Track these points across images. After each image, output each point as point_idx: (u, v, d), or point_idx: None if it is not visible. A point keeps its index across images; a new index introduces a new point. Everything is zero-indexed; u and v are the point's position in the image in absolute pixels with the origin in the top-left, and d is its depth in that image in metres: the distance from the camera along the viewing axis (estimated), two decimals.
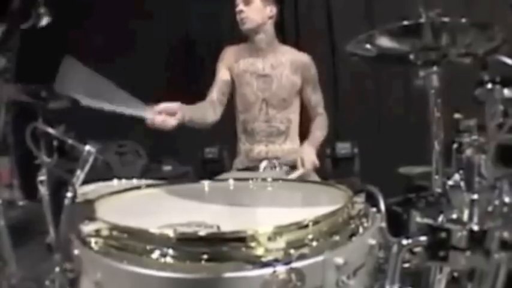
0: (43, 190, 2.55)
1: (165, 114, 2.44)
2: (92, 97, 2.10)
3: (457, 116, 1.77)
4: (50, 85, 2.69)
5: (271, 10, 2.99)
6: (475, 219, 1.28)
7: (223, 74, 3.09)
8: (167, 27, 4.62)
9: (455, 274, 1.44)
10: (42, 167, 2.50)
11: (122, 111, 2.19)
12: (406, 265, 1.46)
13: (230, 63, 3.09)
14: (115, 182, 2.45)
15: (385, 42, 1.74)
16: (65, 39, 4.08)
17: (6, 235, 2.90)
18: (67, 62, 2.10)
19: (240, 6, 2.90)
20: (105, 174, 2.56)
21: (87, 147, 1.78)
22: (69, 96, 2.81)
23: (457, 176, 1.48)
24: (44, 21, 3.46)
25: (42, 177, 2.53)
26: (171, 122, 2.48)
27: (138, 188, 2.05)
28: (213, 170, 3.36)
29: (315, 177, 2.81)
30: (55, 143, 2.80)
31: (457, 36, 1.68)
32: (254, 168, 2.96)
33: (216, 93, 3.03)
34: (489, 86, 1.52)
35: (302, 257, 1.12)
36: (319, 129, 3.06)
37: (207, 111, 2.94)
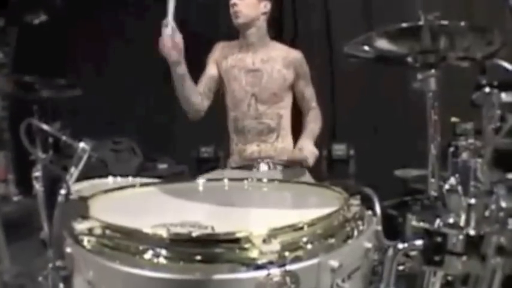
0: (38, 186, 2.54)
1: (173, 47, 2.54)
2: None
3: (454, 119, 1.77)
4: (44, 78, 2.70)
5: (265, 6, 2.98)
6: (472, 223, 1.27)
7: (210, 69, 3.08)
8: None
9: (450, 278, 1.43)
10: (37, 163, 2.50)
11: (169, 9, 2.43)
12: (401, 268, 1.46)
13: (219, 59, 3.08)
14: (110, 179, 2.45)
15: (383, 44, 1.74)
16: (63, 34, 4.07)
17: (0, 230, 2.90)
18: None
19: (235, 0, 2.91)
20: (100, 171, 2.55)
21: (82, 144, 1.77)
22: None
23: (452, 180, 1.48)
24: (41, 18, 3.47)
25: (37, 173, 2.52)
26: (174, 54, 2.58)
27: (132, 186, 2.05)
28: (208, 169, 3.34)
29: (310, 179, 2.81)
30: (50, 139, 2.79)
31: (455, 39, 1.67)
32: (248, 166, 2.96)
33: (202, 87, 3.02)
34: (487, 90, 1.52)
35: (297, 259, 1.11)
36: (314, 122, 3.04)
37: (196, 93, 2.92)
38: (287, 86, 3.04)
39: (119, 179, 2.45)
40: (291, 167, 2.95)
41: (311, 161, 2.69)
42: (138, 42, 4.44)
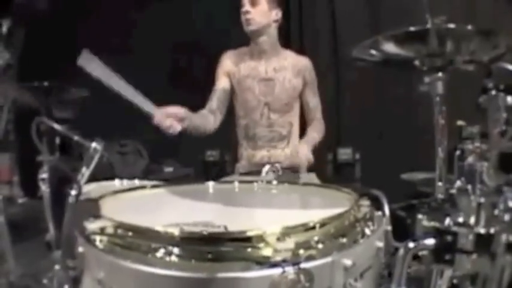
0: (44, 187, 2.55)
1: (172, 119, 2.47)
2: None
3: (460, 122, 1.77)
4: (57, 88, 2.70)
5: (277, 14, 2.99)
6: (482, 222, 1.28)
7: (222, 82, 3.06)
8: (169, 29, 4.60)
9: (456, 281, 1.44)
10: (44, 164, 2.50)
11: (135, 102, 2.28)
12: (408, 270, 1.47)
13: (230, 69, 3.07)
14: (116, 182, 2.46)
15: (390, 47, 1.74)
16: (66, 39, 4.09)
17: (5, 232, 2.91)
18: (84, 57, 2.17)
19: (246, 7, 2.88)
20: (106, 173, 2.56)
21: (94, 144, 1.78)
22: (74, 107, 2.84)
23: (459, 183, 1.48)
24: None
25: (43, 175, 2.53)
26: (177, 127, 2.51)
27: (143, 187, 2.06)
28: (214, 172, 3.35)
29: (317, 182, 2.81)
30: (57, 140, 2.80)
31: (462, 43, 1.68)
32: (257, 172, 2.95)
33: (215, 102, 3.01)
34: (493, 93, 1.53)
35: (311, 258, 1.12)
36: (316, 132, 3.04)
37: (208, 119, 2.91)
38: (297, 95, 3.06)
39: (125, 181, 2.46)
40: (300, 172, 2.96)
41: (304, 165, 2.77)
42: (145, 43, 4.45)
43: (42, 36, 3.93)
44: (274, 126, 2.99)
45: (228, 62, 3.09)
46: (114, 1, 4.42)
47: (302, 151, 2.73)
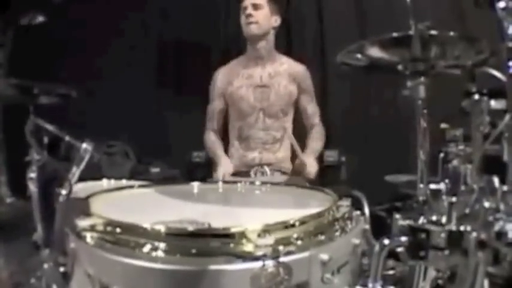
0: (32, 187, 2.55)
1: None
2: None
3: (443, 126, 1.80)
4: (43, 82, 2.71)
5: (276, 20, 3.04)
6: (454, 220, 1.32)
7: (218, 104, 3.15)
8: (160, 29, 4.59)
9: (439, 282, 1.47)
10: (32, 163, 2.50)
11: None
12: (391, 272, 1.50)
13: (223, 89, 3.12)
14: (104, 182, 2.47)
15: (375, 52, 1.76)
16: (56, 38, 4.09)
17: None
18: None
19: (249, 10, 2.91)
20: (93, 173, 2.57)
21: (84, 145, 1.80)
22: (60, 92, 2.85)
23: (441, 184, 1.51)
24: (39, 19, 3.47)
25: (31, 174, 2.53)
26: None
27: (131, 187, 2.09)
28: (200, 174, 3.37)
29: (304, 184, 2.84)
30: (46, 140, 2.81)
31: (446, 48, 1.70)
32: (246, 173, 2.97)
33: (216, 124, 3.17)
34: (476, 97, 1.56)
35: (289, 252, 1.17)
36: (316, 141, 3.09)
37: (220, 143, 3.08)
38: (292, 102, 3.09)
39: (112, 181, 2.47)
40: (289, 174, 2.99)
41: (312, 174, 2.83)
42: (134, 47, 4.45)
43: (32, 35, 3.92)
44: (269, 129, 3.03)
45: (220, 82, 3.15)
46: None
47: (310, 164, 2.83)
